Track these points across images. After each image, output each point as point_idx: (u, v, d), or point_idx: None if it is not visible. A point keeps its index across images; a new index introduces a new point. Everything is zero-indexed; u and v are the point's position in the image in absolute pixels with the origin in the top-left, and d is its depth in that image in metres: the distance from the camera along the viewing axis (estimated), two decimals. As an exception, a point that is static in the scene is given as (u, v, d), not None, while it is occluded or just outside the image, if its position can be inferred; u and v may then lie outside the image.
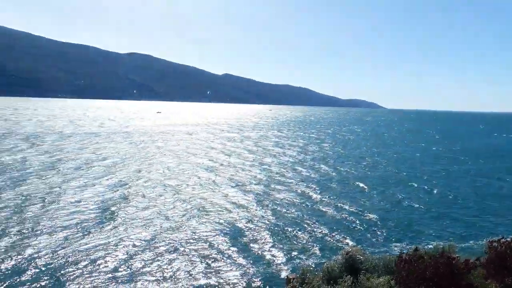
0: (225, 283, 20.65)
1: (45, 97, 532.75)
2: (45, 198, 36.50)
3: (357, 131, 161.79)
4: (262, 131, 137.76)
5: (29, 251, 24.18)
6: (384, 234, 30.19)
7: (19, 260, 22.80)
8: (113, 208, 33.98)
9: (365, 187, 47.70)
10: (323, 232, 30.18)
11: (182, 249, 25.58)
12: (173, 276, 21.40)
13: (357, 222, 33.00)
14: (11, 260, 22.69)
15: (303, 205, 38.17)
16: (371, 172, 58.87)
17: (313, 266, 22.08)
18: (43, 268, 21.88)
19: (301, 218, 33.43)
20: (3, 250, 24.11)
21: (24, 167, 51.66)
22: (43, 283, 20.16)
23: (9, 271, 21.33)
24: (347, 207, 37.70)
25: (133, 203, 36.19)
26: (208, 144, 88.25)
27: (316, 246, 27.04)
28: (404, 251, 14.15)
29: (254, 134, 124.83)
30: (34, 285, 19.96)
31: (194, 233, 28.74)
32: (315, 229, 30.70)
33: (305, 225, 31.54)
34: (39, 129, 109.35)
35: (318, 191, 44.10)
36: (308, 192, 43.54)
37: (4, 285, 19.80)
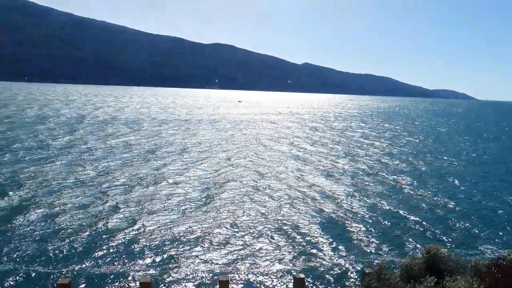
0: (299, 270, 20.91)
1: (137, 86, 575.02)
2: (146, 180, 39.77)
3: (449, 123, 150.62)
4: (346, 122, 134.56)
5: (133, 232, 26.62)
6: (477, 233, 28.03)
7: (124, 238, 25.27)
8: (208, 192, 35.88)
9: (461, 183, 44.47)
10: (407, 226, 28.95)
11: (272, 234, 26.32)
12: (264, 262, 22.13)
13: (447, 219, 31.02)
14: (120, 237, 25.22)
15: (390, 198, 36.79)
16: (468, 168, 54.62)
17: (390, 261, 21.40)
18: (149, 247, 23.99)
19: (387, 212, 32.34)
20: (112, 227, 26.91)
21: (127, 150, 56.73)
22: (147, 261, 22.11)
23: (119, 248, 23.71)
24: (439, 202, 35.57)
25: (226, 187, 37.86)
26: (292, 133, 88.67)
27: (397, 240, 26.09)
28: (497, 255, 12.88)
29: (337, 124, 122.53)
30: (142, 261, 21.99)
31: (283, 219, 29.35)
32: (399, 223, 29.52)
33: (390, 219, 30.44)
34: (137, 115, 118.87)
35: (408, 185, 42.13)
36: (397, 185, 41.82)
37: (118, 262, 22.09)
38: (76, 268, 20.20)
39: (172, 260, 21.76)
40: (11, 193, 33.14)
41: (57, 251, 22.27)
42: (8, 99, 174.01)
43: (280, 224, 28.25)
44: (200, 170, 44.72)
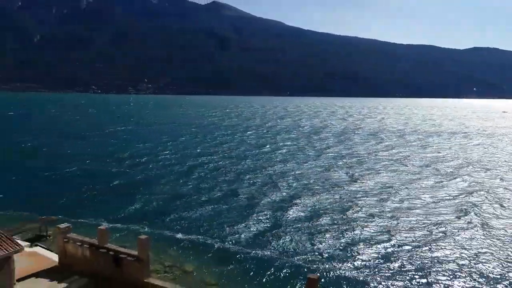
0: None
1: (377, 97, 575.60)
2: (397, 191, 41.60)
3: None
4: None
5: (391, 241, 28.97)
6: None
7: (379, 245, 27.93)
8: (466, 212, 34.71)
9: None
10: None
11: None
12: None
13: None
14: (374, 244, 28.13)
15: None
16: None
17: None
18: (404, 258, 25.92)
19: None
20: (371, 233, 30.11)
21: (374, 159, 60.01)
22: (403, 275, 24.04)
23: (374, 256, 26.57)
24: None
25: (487, 209, 35.59)
26: None
27: None
28: None
29: None
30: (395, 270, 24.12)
31: None
32: None
33: None
34: (381, 125, 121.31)
35: None
36: None
37: (369, 268, 24.99)
38: (326, 267, 23.82)
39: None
40: (284, 193, 41.59)
41: (311, 248, 27.06)
42: (281, 111, 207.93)
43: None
44: (452, 188, 43.15)
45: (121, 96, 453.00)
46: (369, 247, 26.66)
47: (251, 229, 29.91)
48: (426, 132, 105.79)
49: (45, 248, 24.44)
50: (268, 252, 25.77)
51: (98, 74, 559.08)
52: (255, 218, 32.45)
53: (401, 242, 27.55)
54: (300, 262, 24.39)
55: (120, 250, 19.97)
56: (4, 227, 23.65)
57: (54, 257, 22.19)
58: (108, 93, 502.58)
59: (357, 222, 31.68)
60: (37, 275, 20.00)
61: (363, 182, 45.43)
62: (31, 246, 24.23)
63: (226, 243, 27.30)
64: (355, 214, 33.72)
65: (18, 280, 18.56)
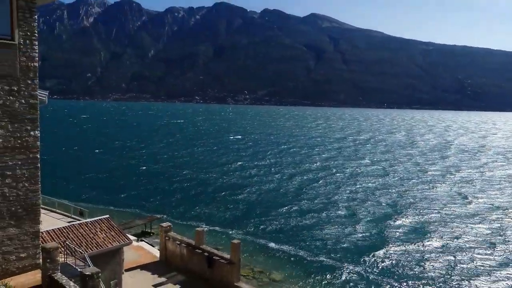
0: None
1: (496, 111, 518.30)
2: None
3: None
4: None
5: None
6: None
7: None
8: None
9: None
10: None
11: None
12: None
13: None
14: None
15: None
16: None
17: None
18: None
19: None
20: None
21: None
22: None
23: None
24: None
25: None
26: None
27: None
28: None
29: None
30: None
31: None
32: None
33: None
34: (505, 143, 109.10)
35: None
36: None
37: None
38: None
39: None
40: (386, 210, 39.74)
41: (417, 272, 25.39)
42: (376, 123, 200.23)
43: None
44: None
45: (221, 105, 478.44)
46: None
47: (347, 245, 29.23)
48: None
49: (149, 244, 26.92)
50: (364, 271, 24.94)
51: (200, 85, 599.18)
52: (353, 234, 31.63)
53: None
54: (391, 281, 23.16)
55: (214, 252, 21.11)
56: (118, 222, 26.65)
57: (156, 253, 24.31)
58: (210, 103, 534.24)
59: (465, 250, 29.01)
60: (141, 267, 22.15)
61: (472, 203, 41.50)
62: (137, 241, 26.87)
63: (319, 256, 27.07)
64: (464, 241, 30.92)
65: (126, 270, 20.75)
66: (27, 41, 12.74)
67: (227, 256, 20.26)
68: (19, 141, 12.82)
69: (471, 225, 34.50)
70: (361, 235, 31.42)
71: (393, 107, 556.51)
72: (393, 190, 47.18)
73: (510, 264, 26.24)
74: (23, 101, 12.78)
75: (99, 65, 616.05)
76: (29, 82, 12.87)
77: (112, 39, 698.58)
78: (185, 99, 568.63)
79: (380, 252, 27.82)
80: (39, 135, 13.37)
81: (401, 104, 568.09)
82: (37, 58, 13.13)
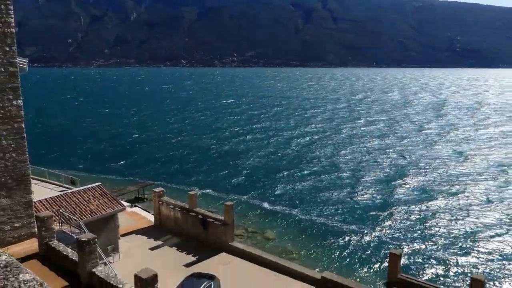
0: None
1: (486, 68, 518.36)
2: None
3: None
4: None
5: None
6: None
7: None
8: None
9: None
10: None
11: None
12: None
13: None
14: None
15: None
16: None
17: None
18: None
19: None
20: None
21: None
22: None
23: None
24: None
25: None
26: None
27: None
28: None
29: None
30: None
31: None
32: None
33: None
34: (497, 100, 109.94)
35: None
36: None
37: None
38: (492, 267, 21.38)
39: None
40: (383, 171, 40.34)
41: (399, 229, 26.27)
42: (368, 83, 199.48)
43: None
44: None
45: (208, 68, 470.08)
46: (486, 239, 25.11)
47: (341, 205, 29.86)
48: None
49: (143, 209, 27.20)
50: (355, 229, 25.64)
51: (186, 49, 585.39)
52: (347, 195, 32.20)
53: None
54: (386, 239, 23.96)
55: (208, 214, 21.48)
56: (110, 189, 26.74)
57: (150, 217, 24.63)
58: (196, 67, 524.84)
59: (465, 209, 29.90)
60: (137, 232, 22.50)
61: (471, 161, 42.40)
62: (131, 207, 27.11)
63: (311, 215, 27.69)
64: (463, 200, 31.78)
65: (122, 236, 21.06)
66: (2, 6, 12.15)
67: (221, 217, 20.65)
68: (2, 111, 12.52)
69: (470, 181, 35.41)
70: (355, 194, 32.11)
71: (383, 66, 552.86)
72: (390, 150, 47.76)
73: (508, 219, 27.19)
74: (2, 69, 12.37)
75: (79, 30, 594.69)
76: (7, 49, 12.40)
77: (91, 3, 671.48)
78: (171, 63, 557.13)
79: (377, 211, 28.57)
80: (22, 104, 13.05)
81: (391, 63, 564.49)
82: (13, 24, 12.58)
